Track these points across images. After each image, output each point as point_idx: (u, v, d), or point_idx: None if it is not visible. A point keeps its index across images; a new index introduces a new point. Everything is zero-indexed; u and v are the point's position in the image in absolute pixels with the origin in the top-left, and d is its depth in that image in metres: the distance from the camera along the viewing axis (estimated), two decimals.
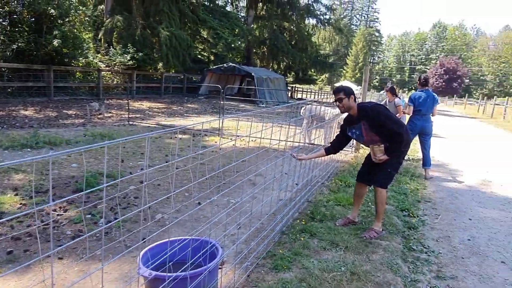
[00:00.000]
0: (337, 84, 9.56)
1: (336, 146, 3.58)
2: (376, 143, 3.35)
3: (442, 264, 3.11)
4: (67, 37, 13.28)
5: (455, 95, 49.07)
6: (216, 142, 7.82)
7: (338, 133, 3.64)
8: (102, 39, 18.45)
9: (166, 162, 5.83)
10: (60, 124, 9.03)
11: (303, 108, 8.67)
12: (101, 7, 19.25)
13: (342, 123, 3.61)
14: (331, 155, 3.81)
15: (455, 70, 63.47)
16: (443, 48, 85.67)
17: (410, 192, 5.05)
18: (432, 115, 6.11)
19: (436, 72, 65.16)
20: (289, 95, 32.32)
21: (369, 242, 3.27)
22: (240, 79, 25.46)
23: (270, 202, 3.79)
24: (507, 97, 30.46)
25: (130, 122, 9.82)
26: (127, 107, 14.36)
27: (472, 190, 5.45)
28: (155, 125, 9.74)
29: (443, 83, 63.60)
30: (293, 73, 35.65)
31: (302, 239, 3.24)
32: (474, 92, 69.83)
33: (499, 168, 7.32)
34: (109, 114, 11.95)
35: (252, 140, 8.01)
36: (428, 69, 72.77)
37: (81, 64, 15.94)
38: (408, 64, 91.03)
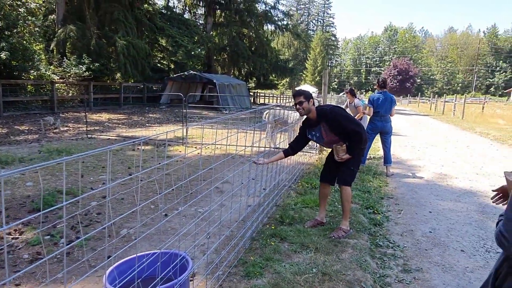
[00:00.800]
0: (297, 88, 9.71)
1: (294, 147, 3.64)
2: (337, 143, 3.45)
3: (408, 257, 3.23)
4: (16, 49, 12.58)
5: (408, 95, 51.48)
6: (180, 151, 7.69)
7: (297, 135, 3.70)
8: (55, 50, 17.66)
9: (130, 174, 5.65)
10: (12, 141, 8.50)
11: (265, 113, 8.74)
12: (52, 16, 18.45)
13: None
14: (295, 157, 3.86)
15: (407, 71, 66.83)
16: (395, 50, 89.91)
17: (373, 189, 5.22)
18: (391, 116, 6.39)
19: (390, 73, 68.23)
20: (252, 100, 32.52)
21: (338, 242, 3.33)
22: (202, 87, 25.30)
23: (239, 209, 3.77)
24: (455, 94, 32.45)
25: (89, 135, 9.44)
26: (84, 120, 13.82)
27: (430, 184, 5.73)
28: (115, 137, 9.42)
29: (397, 84, 66.73)
30: (254, 79, 35.93)
31: (272, 243, 3.25)
32: (426, 91, 73.81)
33: (453, 162, 7.76)
34: (66, 128, 11.42)
35: (217, 148, 7.95)
36: (383, 71, 76.10)
37: (32, 77, 15.14)
38: (364, 66, 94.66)
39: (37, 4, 13.02)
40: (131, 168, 5.99)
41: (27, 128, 10.85)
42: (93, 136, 9.47)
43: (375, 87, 6.81)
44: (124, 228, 3.73)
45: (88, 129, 11.00)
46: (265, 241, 3.32)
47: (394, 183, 5.80)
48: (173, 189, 4.75)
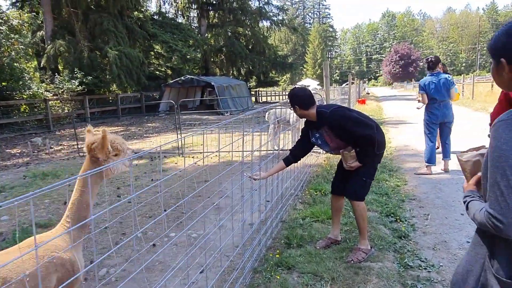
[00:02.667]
0: (298, 84, 8.69)
1: (297, 153, 3.05)
2: (345, 149, 2.85)
3: (447, 280, 2.61)
4: (2, 69, 12.11)
5: (413, 79, 50.43)
6: (177, 163, 7.12)
7: (300, 138, 3.11)
8: (47, 67, 17.23)
9: (118, 196, 5.09)
10: (1, 166, 8.02)
11: (267, 113, 8.14)
12: (41, 33, 18.02)
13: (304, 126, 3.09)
14: (301, 159, 3.24)
15: (409, 55, 65.74)
16: (394, 36, 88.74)
17: (391, 191, 4.59)
18: (452, 100, 5.36)
19: (391, 59, 67.25)
20: (254, 100, 31.92)
21: (359, 267, 2.72)
22: (201, 91, 24.74)
23: (240, 230, 3.19)
24: (462, 75, 31.47)
25: (81, 154, 8.92)
26: (83, 136, 13.35)
27: (455, 179, 5.06)
28: None
29: (400, 69, 65.72)
30: (254, 78, 35.31)
31: (278, 277, 2.65)
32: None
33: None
34: (59, 147, 10.94)
35: (217, 155, 7.36)
36: (384, 57, 74.99)
37: (25, 97, 14.71)
38: (364, 55, 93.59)
39: (20, 21, 12.50)
40: (120, 189, 5.43)
41: (19, 151, 10.38)
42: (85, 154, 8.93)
43: (424, 66, 5.67)
44: (104, 267, 3.16)
45: (80, 147, 10.53)
46: (269, 273, 2.72)
47: (414, 180, 5.15)
48: (165, 212, 4.20)
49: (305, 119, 3.02)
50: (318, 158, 6.67)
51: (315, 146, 3.09)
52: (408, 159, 6.48)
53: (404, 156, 6.77)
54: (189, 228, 3.84)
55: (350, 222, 3.59)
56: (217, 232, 3.37)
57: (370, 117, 2.94)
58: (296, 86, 8.06)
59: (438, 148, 5.88)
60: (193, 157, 7.59)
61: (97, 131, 1.92)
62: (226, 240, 3.11)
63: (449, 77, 5.30)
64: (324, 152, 7.12)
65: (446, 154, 5.45)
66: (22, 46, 11.91)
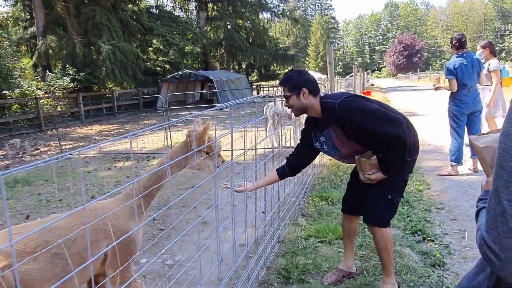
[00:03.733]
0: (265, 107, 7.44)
1: (296, 164, 2.28)
2: (362, 154, 2.09)
3: None
4: None
5: (418, 70, 49.30)
6: None
7: (299, 143, 2.34)
8: (39, 64, 16.55)
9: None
10: None
11: (265, 106, 7.38)
12: (32, 29, 17.31)
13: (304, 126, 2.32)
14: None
15: (413, 46, 64.46)
16: (398, 26, 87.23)
17: (413, 197, 3.83)
18: (481, 84, 4.52)
19: (395, 50, 66.02)
20: (256, 94, 31.14)
21: None
22: (201, 85, 23.99)
23: (228, 252, 2.46)
24: None
25: (64, 155, 8.20)
26: (73, 136, 12.68)
27: None
28: (95, 154, 8.18)
29: (404, 60, 64.48)
30: (255, 71, 34.46)
31: None
32: (434, 64, 71.21)
33: None
34: (46, 148, 10.27)
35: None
36: (388, 48, 73.68)
37: (14, 96, 14.03)
38: (367, 46, 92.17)
39: (5, 15, 11.77)
40: (94, 197, 4.71)
41: (4, 153, 9.71)
42: (68, 156, 8.22)
43: (449, 48, 4.75)
44: None
45: (72, 146, 9.87)
46: None
47: (438, 183, 4.37)
48: (135, 229, 3.49)
49: (305, 117, 2.26)
50: (322, 157, 5.87)
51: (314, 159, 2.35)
52: (427, 157, 5.71)
53: (421, 153, 5.99)
54: (166, 251, 3.12)
55: (367, 244, 2.85)
56: (200, 257, 2.65)
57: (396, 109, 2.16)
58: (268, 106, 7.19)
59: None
60: None
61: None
62: (211, 269, 2.38)
63: (481, 57, 4.47)
64: None
65: None
66: (7, 42, 11.17)
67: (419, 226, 3.07)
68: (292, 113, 2.23)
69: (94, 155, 8.04)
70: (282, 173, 2.24)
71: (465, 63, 4.35)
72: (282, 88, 2.13)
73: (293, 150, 2.32)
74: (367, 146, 2.05)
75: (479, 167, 4.66)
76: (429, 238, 2.92)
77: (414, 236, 2.96)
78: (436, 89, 4.79)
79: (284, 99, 2.13)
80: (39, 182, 5.64)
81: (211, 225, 3.52)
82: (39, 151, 9.91)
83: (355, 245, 2.54)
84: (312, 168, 4.84)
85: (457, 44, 4.43)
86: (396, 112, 2.06)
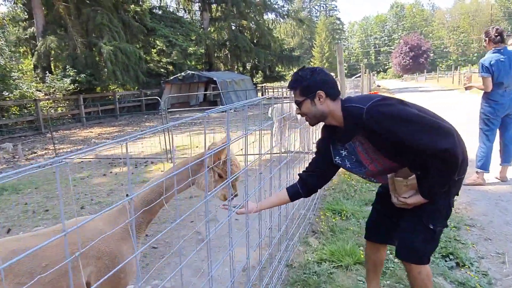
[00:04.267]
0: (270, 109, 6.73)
1: (312, 182, 1.83)
2: (396, 172, 1.66)
3: None
4: None
5: (425, 70, 48.63)
6: (163, 171, 5.99)
7: (314, 157, 1.88)
8: (38, 65, 16.27)
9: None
10: None
11: (270, 108, 6.96)
12: (32, 29, 17.03)
13: (320, 136, 1.89)
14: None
15: (419, 46, 63.72)
16: (403, 27, 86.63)
17: None
18: None
19: (401, 51, 65.36)
20: (260, 95, 30.74)
21: None
22: (204, 87, 23.63)
23: (226, 279, 2.04)
24: (474, 65, 29.81)
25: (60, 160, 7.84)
26: (73, 138, 12.35)
27: None
28: (91, 159, 7.81)
29: (410, 61, 63.75)
30: (260, 72, 34.07)
31: None
32: (440, 65, 70.49)
33: None
34: (43, 151, 9.94)
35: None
36: (393, 49, 73.00)
37: (13, 97, 13.72)
38: (373, 47, 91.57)
39: (1, 14, 11.47)
40: (85, 208, 4.32)
41: (6, 155, 9.39)
42: (64, 160, 7.85)
43: (484, 44, 4.18)
44: None
45: (70, 149, 9.54)
46: None
47: (463, 194, 3.90)
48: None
49: (322, 125, 1.83)
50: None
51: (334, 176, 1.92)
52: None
53: None
54: (156, 275, 2.71)
55: (391, 272, 2.41)
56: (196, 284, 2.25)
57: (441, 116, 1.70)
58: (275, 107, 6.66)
59: None
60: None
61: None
62: None
63: None
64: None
65: (507, 158, 4.15)
66: (2, 42, 10.85)
67: (450, 248, 2.63)
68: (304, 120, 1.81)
69: (90, 159, 7.67)
70: (294, 194, 1.82)
71: (502, 59, 3.89)
72: (292, 91, 1.70)
73: (307, 166, 1.88)
74: (404, 163, 1.61)
75: (508, 175, 4.21)
76: (463, 264, 2.48)
77: (446, 261, 2.52)
78: (467, 88, 4.34)
79: (296, 105, 1.70)
80: (28, 190, 5.26)
81: (210, 245, 3.12)
82: (35, 154, 9.58)
83: (380, 278, 2.11)
84: None
85: (498, 37, 3.96)
86: (442, 118, 1.61)
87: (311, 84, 1.62)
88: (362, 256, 2.49)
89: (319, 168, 1.81)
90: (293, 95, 1.69)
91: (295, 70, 1.93)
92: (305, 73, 1.65)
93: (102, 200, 4.51)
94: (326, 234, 2.99)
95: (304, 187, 1.80)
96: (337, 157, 1.74)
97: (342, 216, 3.33)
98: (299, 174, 1.86)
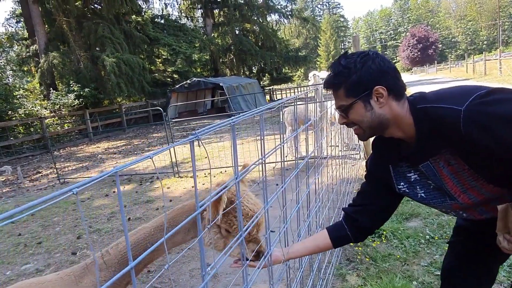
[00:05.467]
0: (311, 74, 6.08)
1: (364, 219, 1.28)
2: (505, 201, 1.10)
3: None
4: None
5: (435, 62, 47.55)
6: (169, 187, 5.49)
7: (364, 185, 1.33)
8: (43, 83, 16.05)
9: (73, 253, 3.48)
10: None
11: (283, 111, 6.42)
12: (34, 47, 16.86)
13: (369, 158, 1.33)
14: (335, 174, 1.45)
15: (427, 38, 62.52)
16: (409, 19, 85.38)
17: None
18: None
19: (409, 43, 64.29)
20: (269, 98, 30.23)
21: None
22: (211, 93, 23.23)
23: None
24: (483, 52, 28.87)
25: (62, 180, 7.44)
26: (79, 155, 12.01)
27: None
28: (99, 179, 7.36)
29: (419, 53, 62.57)
30: (267, 75, 33.61)
31: None
32: (449, 55, 69.11)
33: None
34: (48, 171, 9.57)
35: (223, 172, 5.73)
36: (401, 43, 71.87)
37: (18, 117, 13.48)
38: (379, 42, 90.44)
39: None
40: (81, 238, 3.83)
41: (3, 178, 9.05)
42: (66, 181, 7.44)
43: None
44: None
45: (75, 167, 9.20)
46: None
47: None
48: None
49: (373, 139, 1.28)
50: (356, 167, 4.82)
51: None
52: None
53: None
54: None
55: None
56: None
57: None
58: (315, 74, 5.96)
59: None
60: (191, 176, 5.95)
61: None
62: None
63: None
64: (361, 155, 5.30)
65: None
66: (1, 61, 10.59)
67: None
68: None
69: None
70: (340, 238, 1.27)
71: None
72: (332, 92, 1.14)
73: (355, 199, 1.33)
74: None
75: None
76: None
77: None
78: None
79: (339, 111, 1.14)
80: (24, 218, 4.82)
81: (222, 279, 2.58)
82: (40, 175, 9.22)
83: None
84: (347, 185, 3.80)
85: None
86: None
87: (363, 77, 1.06)
88: None
89: (373, 200, 1.26)
90: (332, 96, 1.14)
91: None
92: (351, 61, 1.08)
93: (101, 227, 4.02)
94: (366, 264, 2.43)
95: (353, 228, 1.25)
96: (402, 184, 1.18)
97: (383, 238, 2.76)
98: (343, 209, 1.31)
